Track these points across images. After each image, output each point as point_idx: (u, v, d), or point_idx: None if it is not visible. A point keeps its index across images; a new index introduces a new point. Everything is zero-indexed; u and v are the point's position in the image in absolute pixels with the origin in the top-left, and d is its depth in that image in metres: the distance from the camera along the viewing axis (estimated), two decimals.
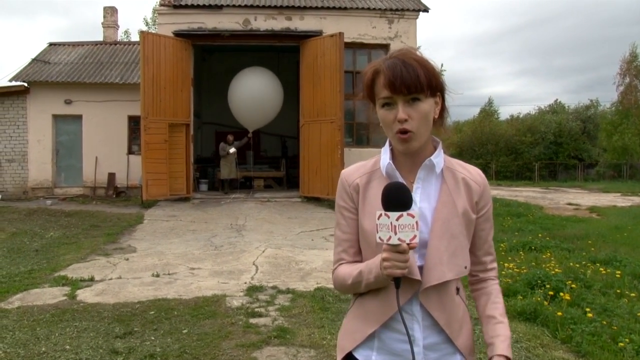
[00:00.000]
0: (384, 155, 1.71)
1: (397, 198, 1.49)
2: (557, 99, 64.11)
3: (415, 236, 1.46)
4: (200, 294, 6.71)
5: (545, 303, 5.76)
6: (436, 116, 1.66)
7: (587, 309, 5.48)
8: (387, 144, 1.73)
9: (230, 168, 17.48)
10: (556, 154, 43.06)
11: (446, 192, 1.67)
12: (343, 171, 1.80)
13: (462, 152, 47.86)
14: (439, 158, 1.69)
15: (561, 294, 5.94)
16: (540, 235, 10.94)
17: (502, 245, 9.53)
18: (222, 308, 6.05)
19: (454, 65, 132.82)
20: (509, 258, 8.40)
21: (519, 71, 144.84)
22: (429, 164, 1.66)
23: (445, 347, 1.66)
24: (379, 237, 1.49)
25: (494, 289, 1.78)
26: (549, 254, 8.75)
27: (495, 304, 1.76)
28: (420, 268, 1.61)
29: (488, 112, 53.25)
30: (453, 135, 52.51)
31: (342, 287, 1.74)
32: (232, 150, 17.13)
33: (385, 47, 17.47)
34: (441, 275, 1.61)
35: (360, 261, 1.72)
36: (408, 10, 17.73)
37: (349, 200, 1.73)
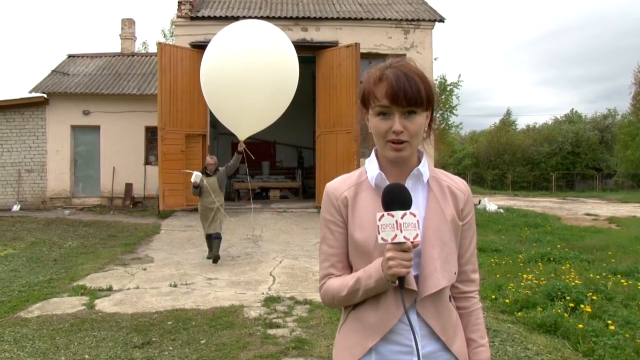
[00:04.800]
0: (372, 166, 1.72)
1: (400, 197, 1.52)
2: (572, 109, 63.63)
3: (417, 234, 1.49)
4: (217, 304, 6.71)
5: (566, 315, 5.69)
6: (426, 128, 1.68)
7: (609, 322, 5.41)
8: (372, 155, 1.75)
9: (209, 213, 9.63)
10: (573, 164, 42.67)
11: (434, 200, 1.69)
12: (328, 184, 1.79)
13: (478, 162, 47.66)
14: (425, 167, 1.71)
15: (582, 306, 5.87)
16: (558, 246, 10.83)
17: (520, 256, 9.46)
18: (240, 319, 6.04)
19: (471, 76, 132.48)
20: (528, 269, 8.32)
21: (536, 81, 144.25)
22: (416, 173, 1.68)
23: (442, 355, 1.67)
24: (382, 238, 1.50)
25: (475, 308, 1.80)
26: (568, 265, 8.66)
27: (477, 326, 1.79)
28: (415, 277, 1.61)
29: (506, 122, 52.98)
30: (469, 145, 52.38)
31: (334, 299, 1.72)
32: (195, 175, 9.40)
33: (401, 57, 17.43)
34: (437, 283, 1.62)
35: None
36: (424, 20, 17.73)
37: (337, 214, 1.73)
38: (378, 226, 1.51)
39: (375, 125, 1.64)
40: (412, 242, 1.48)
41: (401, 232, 1.47)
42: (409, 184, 1.67)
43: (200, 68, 8.69)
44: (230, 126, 8.85)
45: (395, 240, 1.48)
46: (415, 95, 1.56)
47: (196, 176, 9.42)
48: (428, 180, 1.72)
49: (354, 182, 1.74)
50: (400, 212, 1.49)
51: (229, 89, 7.99)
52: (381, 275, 1.54)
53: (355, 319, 1.71)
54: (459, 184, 1.77)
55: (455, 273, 1.70)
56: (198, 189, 9.53)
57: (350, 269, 1.74)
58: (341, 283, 1.68)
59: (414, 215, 1.49)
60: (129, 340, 5.34)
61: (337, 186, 1.76)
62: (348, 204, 1.71)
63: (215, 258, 9.42)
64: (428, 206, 1.68)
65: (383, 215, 1.50)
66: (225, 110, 8.54)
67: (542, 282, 7.14)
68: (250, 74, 7.75)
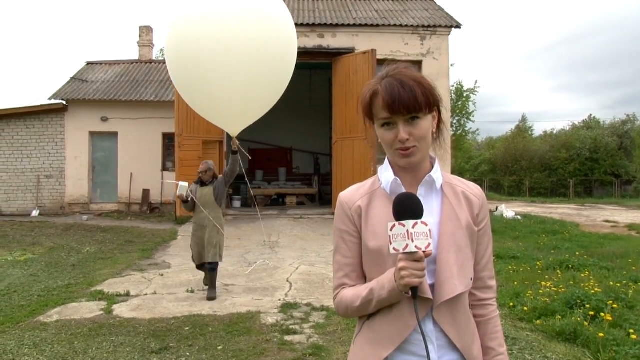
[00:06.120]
0: (387, 173, 1.71)
1: (410, 207, 1.50)
2: (591, 114, 63.07)
3: (429, 244, 1.48)
4: (234, 310, 6.72)
5: (586, 323, 5.62)
6: (434, 130, 1.68)
7: (631, 331, 5.33)
8: (385, 163, 1.74)
9: (202, 234, 7.60)
10: (592, 171, 42.25)
11: (448, 206, 1.68)
12: (341, 194, 1.79)
13: (495, 168, 47.39)
14: (438, 173, 1.70)
15: (602, 314, 5.80)
16: (577, 253, 10.71)
17: (538, 263, 9.37)
18: (257, 325, 6.05)
19: (487, 81, 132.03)
20: (546, 277, 8.23)
21: (554, 87, 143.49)
22: (429, 180, 1.67)
23: None
24: (394, 248, 1.49)
25: (493, 316, 1.77)
26: (587, 272, 8.56)
27: (495, 334, 1.76)
28: (431, 286, 1.60)
29: (522, 128, 52.64)
30: (485, 151, 52.09)
31: (348, 310, 1.71)
32: (180, 187, 7.53)
33: (418, 63, 17.45)
34: (453, 289, 1.60)
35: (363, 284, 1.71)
36: (440, 26, 17.70)
37: (351, 224, 1.72)
38: (390, 236, 1.50)
39: (381, 136, 1.65)
40: (424, 252, 1.47)
41: (412, 241, 1.46)
42: (421, 191, 1.67)
43: (165, 42, 6.09)
44: (215, 120, 6.87)
45: (407, 250, 1.47)
46: (412, 101, 1.56)
47: (181, 188, 7.47)
48: (442, 187, 1.71)
49: (367, 191, 1.74)
50: (412, 222, 1.47)
51: (211, 70, 5.63)
52: (394, 286, 1.53)
53: (369, 330, 1.69)
54: (474, 190, 1.76)
55: (471, 279, 1.69)
56: (189, 203, 7.56)
57: (364, 278, 1.73)
58: (354, 293, 1.67)
59: (426, 225, 1.48)
60: (147, 346, 5.36)
61: (350, 196, 1.76)
62: (362, 213, 1.70)
63: (210, 299, 7.31)
64: (442, 212, 1.67)
65: (394, 225, 1.49)
66: (207, 100, 6.26)
67: (561, 289, 7.07)
68: (239, 48, 5.55)
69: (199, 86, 5.98)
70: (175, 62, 5.98)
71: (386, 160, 1.74)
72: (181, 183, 7.57)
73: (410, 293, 1.51)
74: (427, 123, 1.62)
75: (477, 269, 1.73)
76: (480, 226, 1.73)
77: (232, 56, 5.55)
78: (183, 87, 6.32)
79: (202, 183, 7.71)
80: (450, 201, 1.69)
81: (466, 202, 1.71)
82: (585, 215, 21.87)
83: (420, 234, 1.47)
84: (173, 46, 5.90)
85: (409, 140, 1.59)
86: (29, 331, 5.86)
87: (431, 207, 1.67)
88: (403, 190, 1.65)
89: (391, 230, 1.49)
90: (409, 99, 1.56)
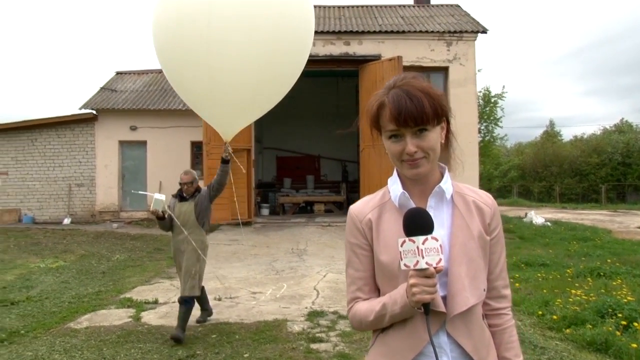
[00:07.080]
0: (395, 186, 1.70)
1: (421, 222, 1.49)
2: (623, 118, 61.86)
3: (440, 259, 1.46)
4: (261, 318, 6.74)
5: (618, 333, 5.51)
6: (442, 141, 1.66)
7: None
8: (394, 175, 1.73)
9: (181, 258, 6.28)
10: (624, 175, 41.35)
11: (459, 216, 1.66)
12: (351, 207, 1.78)
13: (524, 174, 46.76)
14: (448, 184, 1.68)
15: (635, 323, 5.68)
16: (609, 260, 10.50)
17: (568, 271, 9.22)
18: (283, 333, 6.05)
19: (516, 87, 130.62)
20: (576, 285, 8.09)
21: (583, 91, 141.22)
22: (438, 190, 1.66)
23: None
24: (404, 264, 1.48)
25: (509, 325, 1.75)
26: (619, 280, 8.38)
27: (510, 344, 1.74)
28: (443, 298, 1.58)
29: (551, 134, 51.89)
30: (515, 157, 51.47)
31: (362, 324, 1.70)
32: (155, 201, 5.96)
33: (444, 69, 17.38)
34: (465, 301, 1.59)
35: (377, 297, 1.70)
36: (466, 32, 17.60)
37: (362, 237, 1.71)
38: (400, 252, 1.49)
39: (388, 147, 1.64)
40: (435, 268, 1.46)
41: (423, 258, 1.45)
42: (431, 202, 1.66)
43: (153, 23, 4.82)
44: (208, 118, 5.56)
45: (417, 267, 1.46)
46: (420, 113, 1.55)
47: (156, 202, 5.99)
48: (452, 197, 1.69)
49: (378, 204, 1.73)
50: (422, 238, 1.46)
51: (208, 54, 4.45)
52: (406, 302, 1.52)
53: (382, 343, 1.69)
54: (485, 198, 1.74)
55: (484, 290, 1.67)
56: (165, 220, 6.19)
57: (377, 291, 1.72)
58: (368, 308, 1.66)
59: (436, 240, 1.46)
60: (174, 353, 5.41)
61: (361, 209, 1.75)
62: (372, 226, 1.69)
63: (176, 338, 5.71)
64: (453, 223, 1.65)
65: (404, 241, 1.48)
66: (200, 92, 4.97)
67: (592, 298, 6.94)
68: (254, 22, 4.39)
69: (198, 67, 4.63)
70: (166, 37, 4.72)
71: (395, 172, 1.73)
72: (156, 195, 6.06)
73: (423, 309, 1.50)
74: (435, 134, 1.60)
75: (490, 278, 1.72)
76: (492, 235, 1.71)
77: (245, 37, 4.40)
78: (174, 72, 5.01)
79: (181, 197, 6.35)
80: (461, 211, 1.67)
81: (477, 212, 1.69)
82: (617, 221, 21.43)
83: (430, 250, 1.45)
84: (165, 32, 4.68)
85: (417, 153, 1.58)
86: (60, 337, 5.97)
87: (442, 218, 1.65)
88: (411, 203, 1.64)
89: (401, 246, 1.48)
90: (416, 111, 1.55)
